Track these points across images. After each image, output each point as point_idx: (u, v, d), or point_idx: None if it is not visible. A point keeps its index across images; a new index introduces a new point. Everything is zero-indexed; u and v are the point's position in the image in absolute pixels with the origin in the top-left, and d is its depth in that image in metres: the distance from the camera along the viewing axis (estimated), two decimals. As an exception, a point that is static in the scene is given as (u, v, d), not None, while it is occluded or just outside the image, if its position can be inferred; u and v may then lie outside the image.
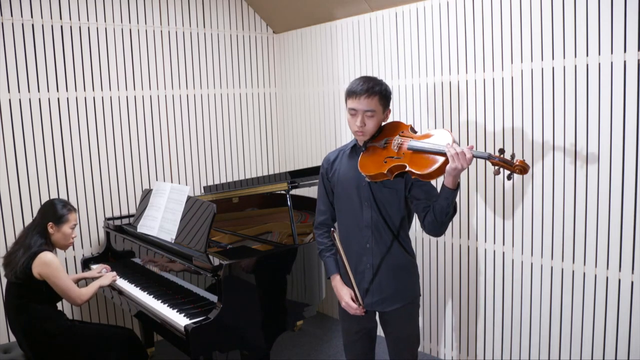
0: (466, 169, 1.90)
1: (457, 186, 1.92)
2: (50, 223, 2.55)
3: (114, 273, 2.89)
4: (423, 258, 3.26)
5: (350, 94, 2.04)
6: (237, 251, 2.70)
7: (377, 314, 2.24)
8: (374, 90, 2.01)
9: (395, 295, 2.14)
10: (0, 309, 3.11)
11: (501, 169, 1.87)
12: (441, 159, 1.87)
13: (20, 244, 2.53)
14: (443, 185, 1.93)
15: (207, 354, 2.46)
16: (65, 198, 3.27)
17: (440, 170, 1.87)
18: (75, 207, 3.32)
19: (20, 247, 2.51)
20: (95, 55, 3.35)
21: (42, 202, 2.80)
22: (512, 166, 1.83)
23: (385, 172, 1.97)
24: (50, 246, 2.57)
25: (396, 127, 2.09)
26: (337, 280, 2.19)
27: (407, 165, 1.92)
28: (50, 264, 2.46)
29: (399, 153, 1.98)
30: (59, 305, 2.67)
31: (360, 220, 2.12)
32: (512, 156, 1.85)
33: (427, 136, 1.97)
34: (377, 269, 2.12)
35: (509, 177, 1.86)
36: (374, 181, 2.05)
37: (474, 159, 1.87)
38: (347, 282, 2.15)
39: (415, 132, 2.05)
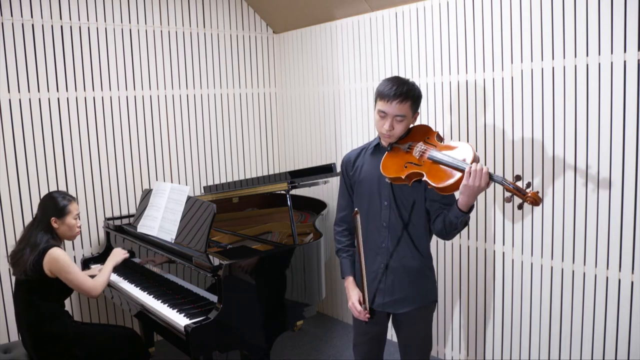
0: (482, 192, 1.88)
1: (470, 209, 1.91)
2: (53, 218, 2.52)
3: (125, 251, 2.90)
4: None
5: (382, 96, 1.98)
6: (237, 251, 2.70)
7: (390, 317, 2.23)
8: (407, 96, 1.95)
9: (408, 297, 2.12)
10: (1, 309, 3.12)
11: (513, 197, 1.85)
12: (457, 175, 1.85)
13: (25, 243, 2.50)
14: (456, 204, 1.92)
15: (207, 354, 2.46)
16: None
17: (456, 186, 1.86)
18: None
19: (26, 246, 2.47)
20: (95, 55, 3.35)
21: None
22: (524, 195, 1.81)
23: (404, 177, 1.95)
24: (58, 240, 2.55)
25: (423, 132, 2.06)
26: (349, 282, 2.19)
27: (425, 175, 1.91)
28: (59, 260, 2.43)
29: (419, 160, 1.96)
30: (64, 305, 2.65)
31: (378, 219, 2.11)
32: (528, 185, 1.82)
33: (450, 148, 1.94)
34: (391, 269, 2.11)
35: (520, 207, 1.85)
36: (394, 183, 2.05)
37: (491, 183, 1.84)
38: (359, 282, 2.15)
39: (442, 139, 2.02)
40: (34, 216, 2.63)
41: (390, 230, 2.09)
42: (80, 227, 2.65)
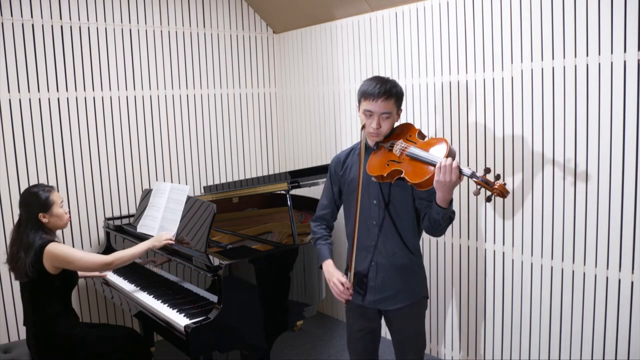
0: (455, 186, 1.90)
1: (449, 204, 1.92)
2: (40, 213, 2.44)
3: (170, 234, 2.75)
4: (423, 258, 3.25)
5: (367, 95, 2.02)
6: (237, 251, 2.70)
7: (382, 314, 2.24)
8: (391, 93, 2.00)
9: (399, 294, 2.14)
10: (1, 309, 3.12)
11: (481, 189, 1.86)
12: (432, 170, 1.86)
13: (17, 245, 2.45)
14: (434, 200, 1.93)
15: (207, 354, 2.46)
16: (65, 197, 3.27)
17: (431, 181, 1.87)
18: (74, 205, 3.33)
19: (20, 249, 2.43)
20: (95, 55, 3.35)
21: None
22: (491, 188, 1.82)
23: (385, 175, 1.98)
24: (51, 234, 2.50)
25: (405, 130, 2.09)
26: (328, 264, 2.16)
27: (403, 172, 1.94)
28: (59, 253, 2.40)
29: (399, 157, 1.99)
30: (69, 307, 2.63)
31: (368, 218, 2.13)
32: (498, 177, 1.84)
33: (430, 144, 1.97)
34: (381, 267, 2.13)
35: (489, 199, 1.87)
36: (379, 181, 2.07)
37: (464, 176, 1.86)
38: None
39: (424, 137, 2.05)
40: (18, 216, 2.52)
41: (380, 228, 2.10)
42: (68, 212, 2.58)
